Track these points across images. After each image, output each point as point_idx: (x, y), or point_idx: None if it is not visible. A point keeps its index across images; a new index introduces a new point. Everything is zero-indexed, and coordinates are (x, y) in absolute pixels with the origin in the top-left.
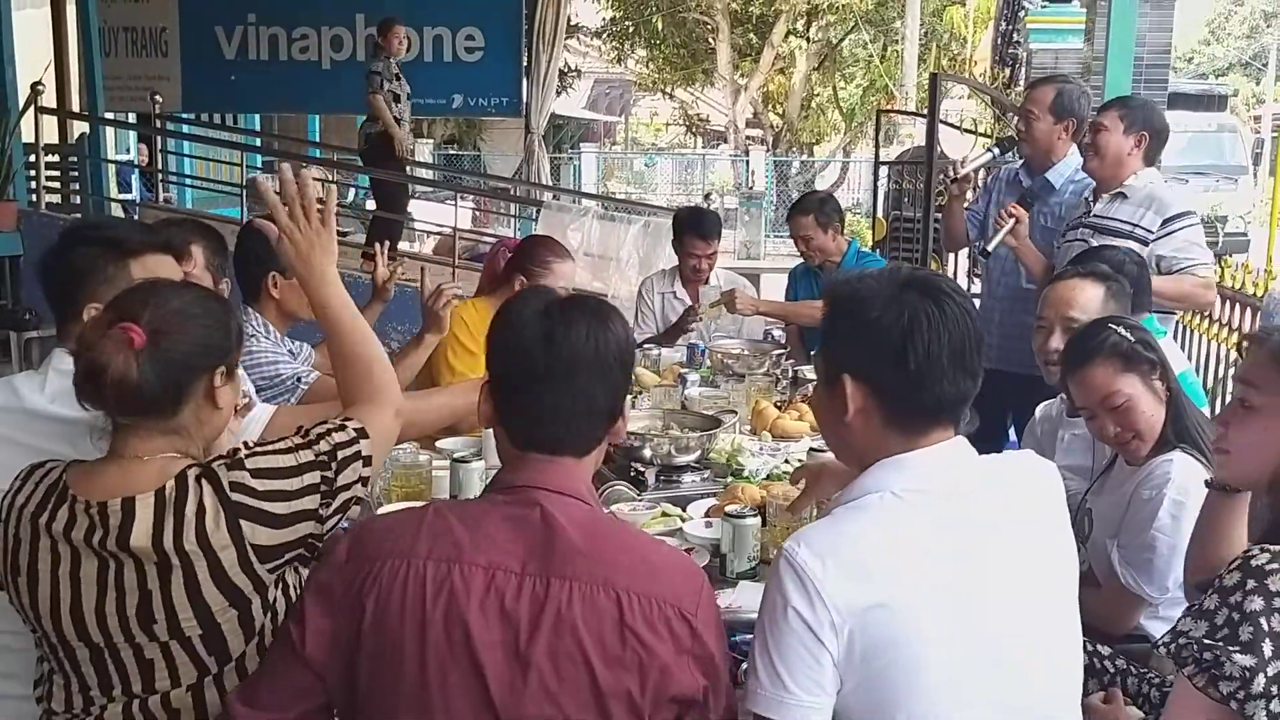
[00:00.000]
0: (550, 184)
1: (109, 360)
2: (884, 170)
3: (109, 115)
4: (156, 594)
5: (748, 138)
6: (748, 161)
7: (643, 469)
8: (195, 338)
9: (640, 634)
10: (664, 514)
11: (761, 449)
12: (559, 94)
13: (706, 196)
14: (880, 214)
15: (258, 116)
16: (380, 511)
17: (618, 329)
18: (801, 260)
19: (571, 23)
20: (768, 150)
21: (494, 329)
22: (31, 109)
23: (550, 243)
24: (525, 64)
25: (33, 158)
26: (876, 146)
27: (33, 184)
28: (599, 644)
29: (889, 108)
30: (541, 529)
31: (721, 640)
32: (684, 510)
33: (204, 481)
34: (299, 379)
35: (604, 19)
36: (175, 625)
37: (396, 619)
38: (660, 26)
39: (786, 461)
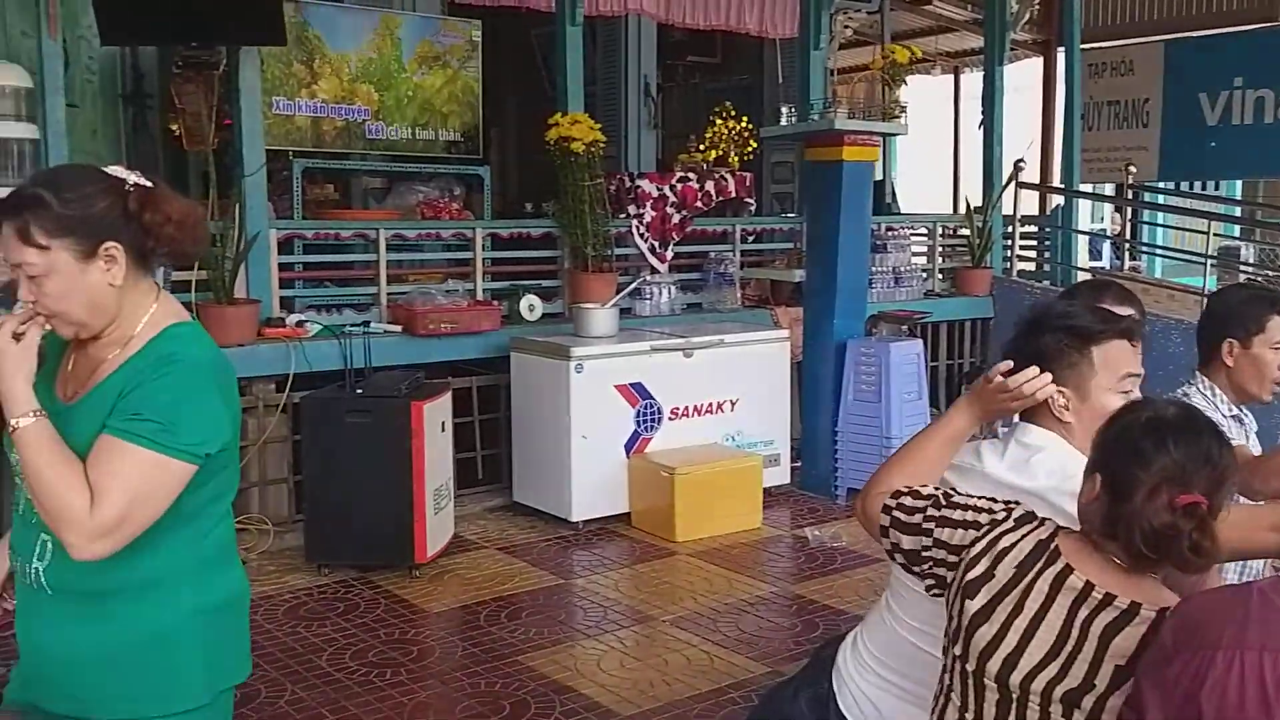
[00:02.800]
0: None
1: (1180, 529)
2: None
3: (1084, 187)
4: (1101, 686)
5: None
6: None
7: None
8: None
9: None
10: None
11: None
12: None
13: None
14: None
15: (1238, 184)
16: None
17: None
18: None
19: None
20: None
21: None
22: (1013, 184)
23: None
24: None
25: (1009, 228)
26: None
27: (1007, 252)
28: None
29: None
30: None
31: None
32: None
33: None
34: None
35: None
36: (1096, 715)
37: None
38: None
39: None
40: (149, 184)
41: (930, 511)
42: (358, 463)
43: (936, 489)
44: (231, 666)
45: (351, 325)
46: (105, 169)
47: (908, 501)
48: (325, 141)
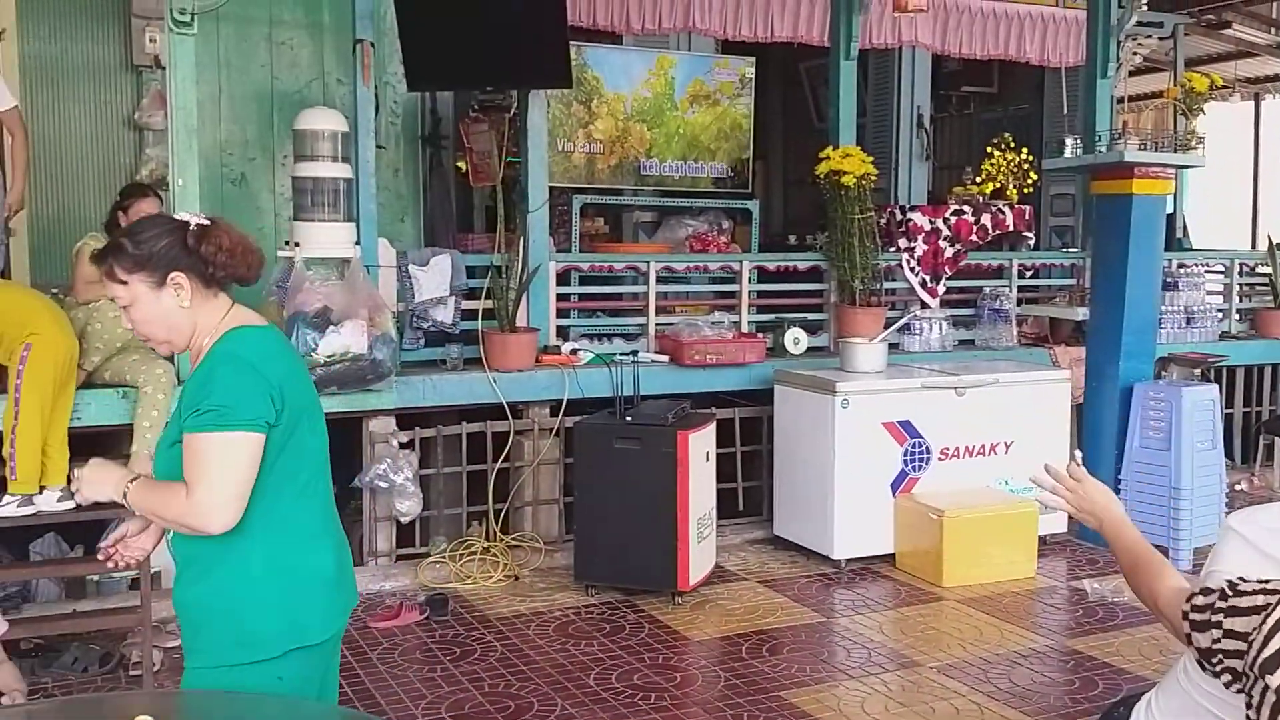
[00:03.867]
0: None
1: None
2: None
3: None
4: None
5: None
6: None
7: None
8: None
9: None
10: None
11: None
12: None
13: None
14: None
15: None
16: None
17: None
18: None
19: None
20: None
21: None
22: None
23: None
24: None
25: None
26: None
27: None
28: None
29: None
30: None
31: None
32: None
33: None
34: None
35: None
36: None
37: None
38: None
39: None
40: (206, 222)
41: (1219, 604)
42: (625, 488)
43: (1225, 580)
44: (305, 628)
45: (621, 354)
46: (174, 215)
47: (1200, 600)
48: (599, 178)
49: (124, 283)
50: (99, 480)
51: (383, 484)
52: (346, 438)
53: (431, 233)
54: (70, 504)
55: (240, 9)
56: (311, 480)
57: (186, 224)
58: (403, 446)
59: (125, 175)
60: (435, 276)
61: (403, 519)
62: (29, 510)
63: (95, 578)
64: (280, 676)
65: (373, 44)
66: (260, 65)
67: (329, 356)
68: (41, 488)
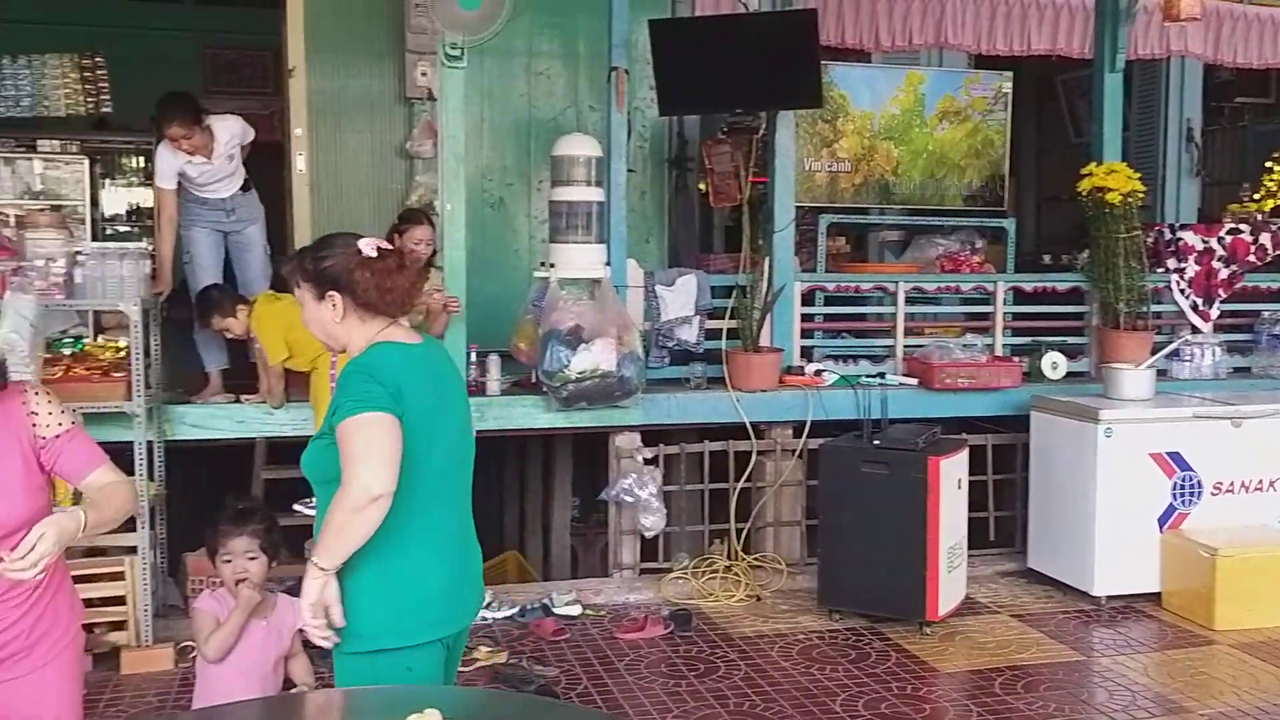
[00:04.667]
0: None
1: None
2: None
3: None
4: None
5: None
6: None
7: None
8: None
9: None
10: None
11: None
12: None
13: None
14: None
15: None
16: None
17: None
18: None
19: None
20: None
21: None
22: None
23: None
24: None
25: None
26: None
27: None
28: None
29: None
30: None
31: None
32: None
33: None
34: None
35: None
36: None
37: None
38: None
39: None
40: (373, 254)
41: None
42: (872, 513)
43: None
44: (410, 632)
45: (867, 376)
46: (357, 239)
47: None
48: (842, 197)
49: (299, 287)
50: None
51: (628, 498)
52: (593, 452)
53: (675, 253)
54: None
55: (502, 42)
56: (429, 499)
57: (359, 251)
58: (647, 462)
59: (396, 201)
60: (681, 296)
61: (647, 533)
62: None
63: None
64: (409, 667)
65: (627, 71)
66: (519, 95)
67: (580, 373)
68: None
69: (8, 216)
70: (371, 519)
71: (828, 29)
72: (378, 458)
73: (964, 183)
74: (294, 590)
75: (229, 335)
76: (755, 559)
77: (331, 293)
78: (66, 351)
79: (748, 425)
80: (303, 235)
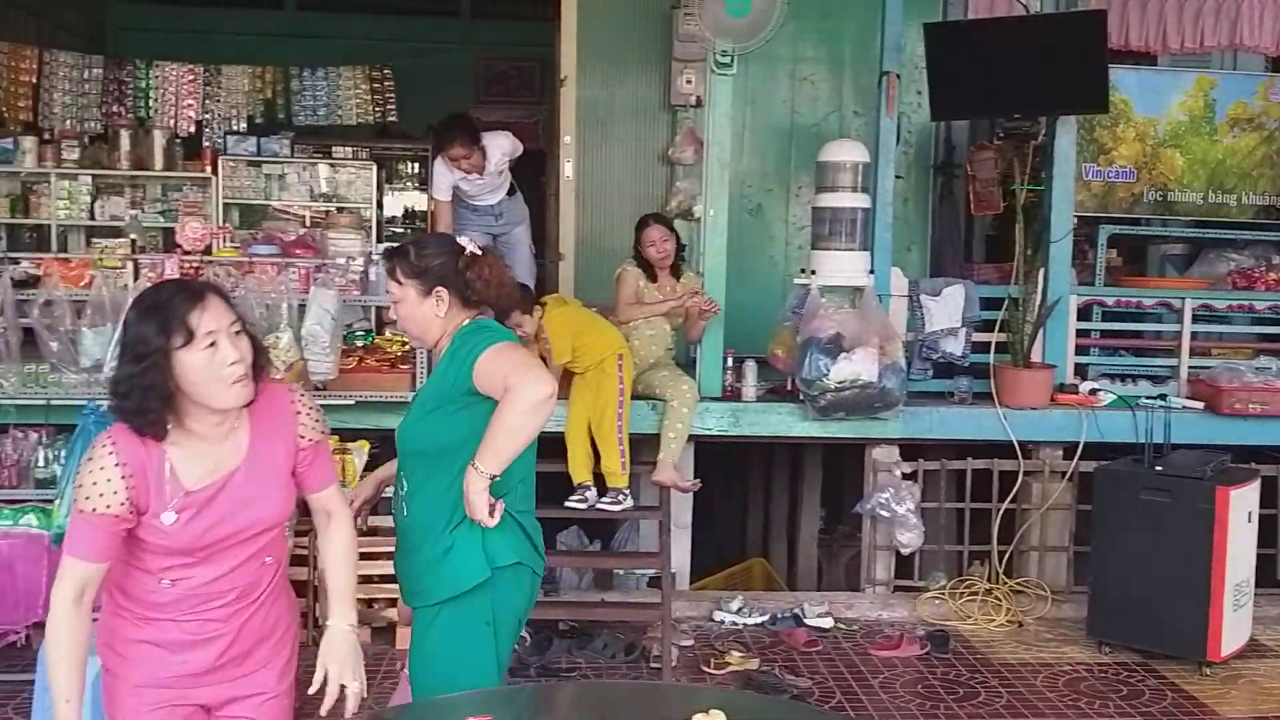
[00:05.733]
0: None
1: None
2: None
3: None
4: None
5: None
6: None
7: None
8: None
9: None
10: None
11: None
12: None
13: None
14: None
15: None
16: None
17: None
18: None
19: None
20: None
21: None
22: None
23: None
24: None
25: None
26: None
27: None
28: None
29: None
30: None
31: None
32: None
33: None
34: None
35: None
36: None
37: None
38: None
39: None
40: (479, 252)
41: None
42: (1151, 543)
43: None
44: (494, 557)
45: (1147, 397)
46: (457, 238)
47: None
48: (1118, 206)
49: (400, 284)
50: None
51: (884, 513)
52: (839, 463)
53: (938, 262)
54: (622, 506)
55: (767, 48)
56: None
57: (463, 250)
58: (905, 477)
59: (655, 205)
60: (947, 307)
61: (903, 550)
62: (624, 506)
63: (619, 571)
64: (486, 621)
65: (898, 76)
66: (782, 100)
67: (839, 382)
68: (585, 485)
69: (302, 217)
70: (543, 416)
71: (1111, 30)
72: (537, 365)
73: (1257, 194)
74: None
75: (519, 332)
76: (1017, 583)
77: (439, 289)
78: (359, 344)
79: (1015, 444)
80: (567, 237)
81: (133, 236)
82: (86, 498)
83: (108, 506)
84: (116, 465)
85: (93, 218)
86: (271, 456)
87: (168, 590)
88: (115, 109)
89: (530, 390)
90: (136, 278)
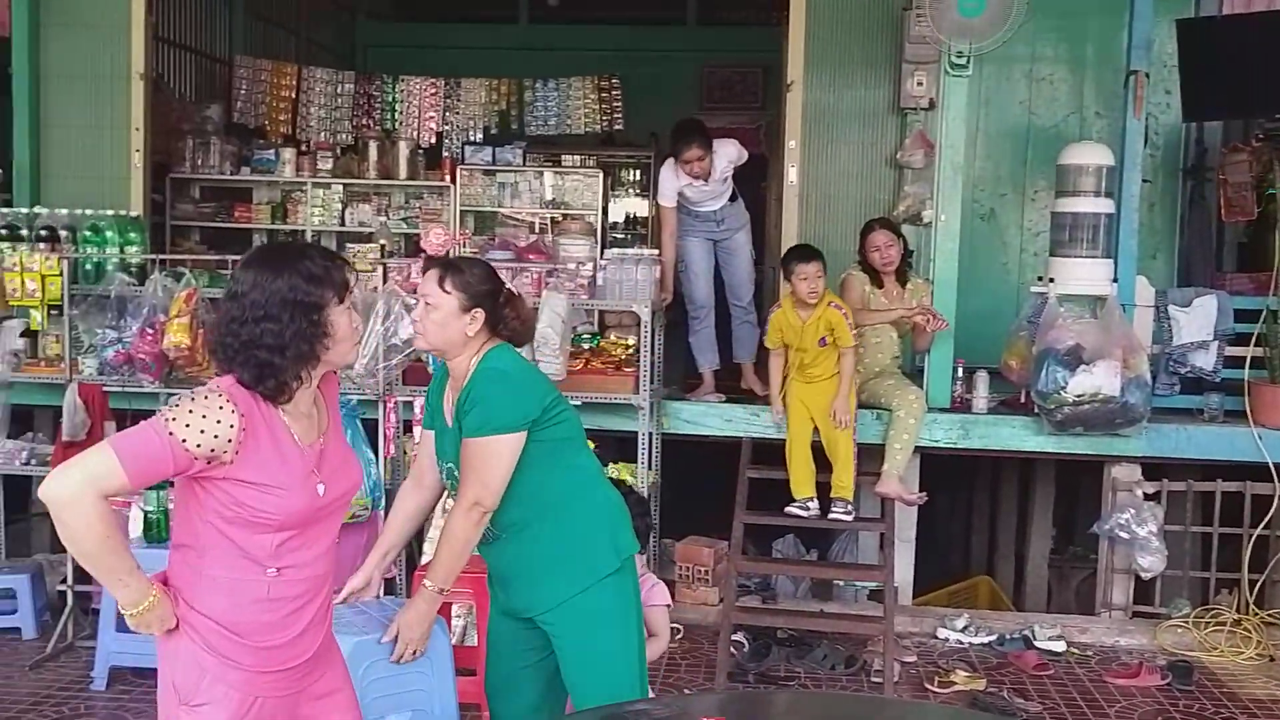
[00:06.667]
0: None
1: None
2: None
3: None
4: None
5: None
6: None
7: None
8: None
9: None
10: None
11: None
12: None
13: None
14: None
15: None
16: None
17: None
18: None
19: None
20: None
21: None
22: None
23: None
24: None
25: None
26: None
27: None
28: None
29: None
30: None
31: None
32: None
33: None
34: None
35: None
36: None
37: None
38: None
39: None
40: (515, 292)
41: None
42: None
43: None
44: (620, 546)
45: None
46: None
47: None
48: None
49: (446, 293)
50: (419, 620)
51: (1123, 535)
52: (1072, 480)
53: (1186, 271)
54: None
55: (1003, 48)
56: (573, 452)
57: (504, 285)
58: (1147, 498)
59: (882, 210)
60: (1198, 319)
61: (1143, 574)
62: (851, 517)
63: (839, 582)
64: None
65: (1147, 75)
66: (1018, 102)
67: (1078, 396)
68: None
69: (530, 224)
70: (477, 523)
71: None
72: (493, 485)
73: None
74: None
75: (800, 281)
76: (1270, 615)
77: (478, 311)
78: (585, 346)
79: (1270, 466)
80: (790, 241)
81: (382, 242)
82: (187, 425)
83: (198, 445)
84: (234, 413)
85: (343, 224)
86: (339, 428)
87: (276, 584)
88: (364, 121)
89: (468, 500)
90: (385, 280)
